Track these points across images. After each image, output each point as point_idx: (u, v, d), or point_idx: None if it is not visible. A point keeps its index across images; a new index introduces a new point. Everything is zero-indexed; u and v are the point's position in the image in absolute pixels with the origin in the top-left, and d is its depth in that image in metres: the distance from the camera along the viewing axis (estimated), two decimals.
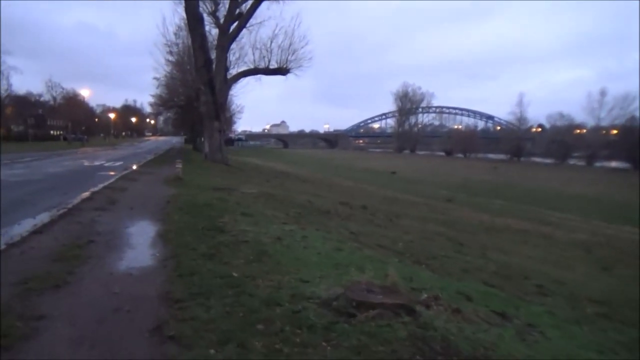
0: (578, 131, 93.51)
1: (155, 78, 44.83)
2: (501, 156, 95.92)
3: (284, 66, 29.92)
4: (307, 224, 8.45)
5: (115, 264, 4.80)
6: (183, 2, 24.56)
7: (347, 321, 3.26)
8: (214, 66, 25.94)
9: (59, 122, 79.50)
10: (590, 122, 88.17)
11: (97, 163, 22.35)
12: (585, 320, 5.36)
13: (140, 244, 5.69)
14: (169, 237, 5.98)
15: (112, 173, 16.09)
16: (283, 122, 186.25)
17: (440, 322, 3.44)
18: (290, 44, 28.91)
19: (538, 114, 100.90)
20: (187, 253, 5.12)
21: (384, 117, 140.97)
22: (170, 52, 38.83)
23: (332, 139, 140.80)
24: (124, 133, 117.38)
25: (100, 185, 11.67)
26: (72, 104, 72.56)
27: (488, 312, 4.57)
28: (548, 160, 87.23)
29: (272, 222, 7.74)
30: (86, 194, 9.68)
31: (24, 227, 6.36)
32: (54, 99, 72.38)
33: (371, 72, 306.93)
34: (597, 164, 78.78)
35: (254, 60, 30.24)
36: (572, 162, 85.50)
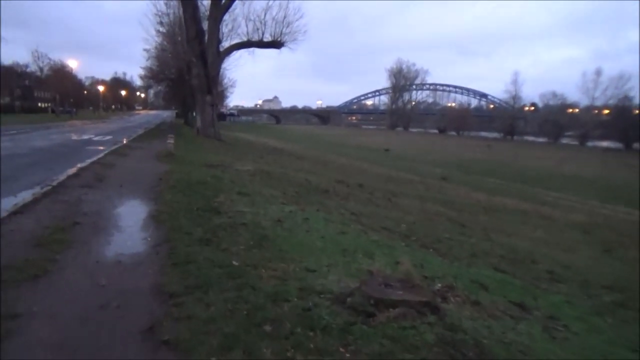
0: (571, 110, 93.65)
1: (145, 49, 43.67)
2: (494, 134, 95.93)
3: (278, 39, 29.14)
4: (306, 204, 8.06)
5: (103, 249, 4.38)
6: None
7: (366, 322, 2.88)
8: (206, 38, 25.07)
9: (46, 94, 77.58)
10: (585, 102, 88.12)
11: (85, 137, 21.64)
12: (604, 310, 5.08)
13: (130, 227, 5.26)
14: (162, 218, 5.55)
15: (101, 148, 15.50)
16: (275, 97, 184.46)
17: (468, 322, 3.08)
18: (284, 17, 28.12)
19: (530, 93, 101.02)
20: (182, 238, 4.71)
21: (377, 93, 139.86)
22: (161, 23, 37.64)
23: (324, 115, 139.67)
24: (113, 106, 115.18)
25: (88, 161, 11.13)
26: (60, 75, 70.49)
27: (506, 303, 4.26)
28: (541, 139, 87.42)
29: (270, 203, 7.33)
30: (73, 170, 9.17)
31: (4, 206, 5.87)
32: (41, 69, 70.27)
33: (364, 47, 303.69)
34: (590, 144, 78.95)
35: (247, 33, 29.39)
36: (564, 141, 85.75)
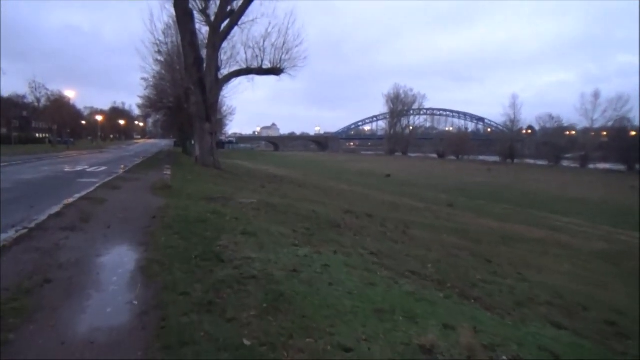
0: (568, 133, 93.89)
1: (143, 79, 43.27)
2: (494, 158, 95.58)
3: (278, 66, 28.59)
4: (320, 243, 7.08)
5: (74, 322, 3.38)
6: None
7: None
8: (204, 65, 24.52)
9: (44, 124, 77.17)
10: (584, 124, 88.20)
11: (79, 168, 20.71)
12: None
13: (113, 284, 4.26)
14: (153, 271, 4.57)
15: (93, 180, 14.57)
16: (274, 124, 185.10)
17: None
18: (284, 43, 27.59)
19: (525, 116, 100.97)
20: (177, 300, 3.73)
21: (374, 119, 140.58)
22: (159, 52, 37.27)
23: (323, 142, 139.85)
24: (112, 136, 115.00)
25: (77, 196, 10.18)
26: (58, 105, 70.23)
27: None
28: (541, 162, 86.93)
29: (281, 244, 6.36)
30: (56, 208, 8.19)
31: None
32: (38, 100, 69.99)
33: (359, 73, 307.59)
34: (591, 166, 78.40)
35: (246, 60, 28.85)
36: (565, 163, 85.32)
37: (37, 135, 77.63)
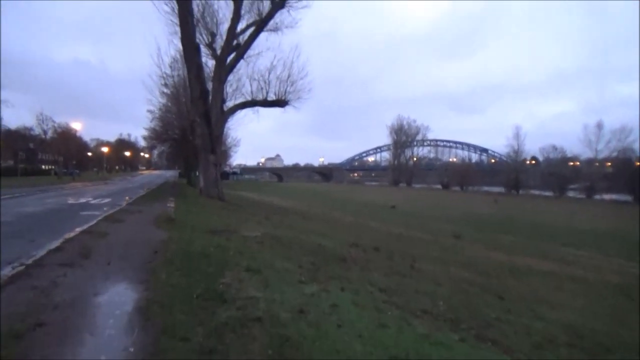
0: (572, 163, 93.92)
1: (149, 111, 43.94)
2: (498, 189, 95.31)
3: (283, 98, 28.88)
4: (326, 279, 6.81)
5: None
6: (179, 31, 23.50)
7: None
8: (210, 98, 24.75)
9: (50, 156, 77.90)
10: (588, 154, 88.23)
11: (82, 200, 20.61)
12: None
13: (109, 327, 4.01)
14: (152, 312, 4.33)
15: (96, 213, 14.42)
16: (278, 155, 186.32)
17: None
18: (289, 75, 27.95)
19: (528, 147, 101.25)
20: (176, 347, 3.48)
21: (378, 150, 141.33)
22: (165, 84, 37.90)
23: (327, 172, 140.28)
24: (117, 167, 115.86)
25: (78, 230, 9.99)
26: (64, 137, 71.10)
27: None
28: (546, 193, 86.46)
29: (286, 281, 6.10)
30: (56, 243, 7.99)
31: None
32: (45, 132, 70.89)
33: (362, 105, 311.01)
34: (597, 197, 77.88)
35: (252, 92, 29.20)
36: (570, 194, 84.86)
37: (43, 166, 78.29)
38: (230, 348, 3.50)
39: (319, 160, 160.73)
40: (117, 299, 4.89)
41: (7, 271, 5.84)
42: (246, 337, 3.76)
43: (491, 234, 31.65)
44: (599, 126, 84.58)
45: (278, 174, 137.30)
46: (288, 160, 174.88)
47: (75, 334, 3.80)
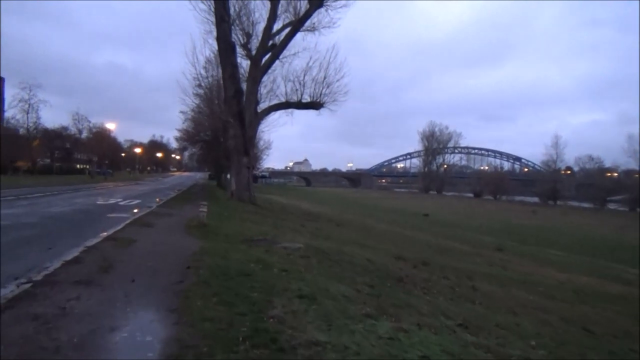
0: (609, 174, 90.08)
1: (182, 112, 43.68)
2: (532, 199, 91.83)
3: (318, 100, 27.72)
4: (395, 310, 5.51)
5: None
6: (214, 30, 22.72)
7: None
8: (244, 98, 23.81)
9: (85, 155, 79.19)
10: (631, 165, 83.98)
11: (112, 201, 19.91)
12: None
13: None
14: None
15: (124, 215, 13.52)
16: (306, 160, 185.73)
17: None
18: (324, 77, 26.78)
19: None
20: None
21: (408, 156, 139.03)
22: (199, 85, 37.34)
23: (355, 178, 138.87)
24: (149, 168, 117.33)
25: (103, 235, 9.00)
26: (98, 137, 72.19)
27: None
28: (586, 205, 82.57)
29: (350, 315, 4.83)
30: (75, 252, 6.95)
31: None
32: (80, 131, 72.12)
33: (391, 112, 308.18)
34: None
35: (286, 94, 28.19)
36: (611, 206, 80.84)
37: (78, 166, 79.51)
38: None
39: (347, 165, 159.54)
40: (139, 339, 3.70)
41: (10, 290, 4.77)
42: None
43: (535, 247, 29.67)
44: None
45: (306, 178, 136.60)
46: (316, 165, 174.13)
47: None
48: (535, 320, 7.70)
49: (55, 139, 69.55)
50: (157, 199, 22.21)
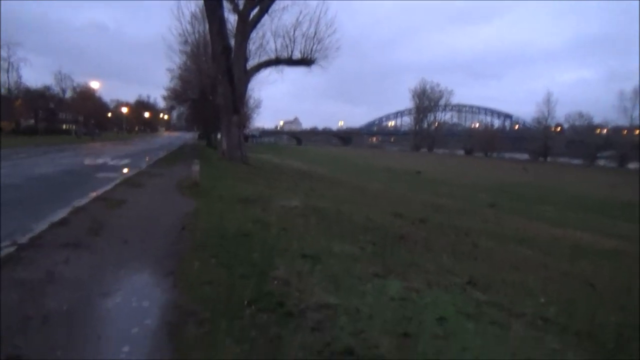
0: (598, 131, 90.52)
1: (168, 69, 42.42)
2: (523, 156, 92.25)
3: (309, 57, 26.87)
4: (402, 269, 5.29)
5: None
6: None
7: None
8: (232, 54, 22.90)
9: (70, 115, 77.28)
10: (622, 122, 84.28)
11: (100, 161, 19.36)
12: None
13: None
14: (187, 336, 2.86)
15: (113, 175, 13.08)
16: (296, 118, 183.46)
17: None
18: (315, 32, 25.93)
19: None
20: None
21: (399, 114, 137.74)
22: (186, 42, 36.06)
23: (345, 137, 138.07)
24: (137, 128, 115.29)
25: (92, 195, 8.63)
26: (83, 96, 70.26)
27: None
28: (576, 161, 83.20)
29: (357, 274, 4.58)
30: (62, 213, 6.60)
31: None
32: (63, 91, 70.08)
33: (380, 70, 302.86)
34: (630, 165, 74.44)
35: (276, 50, 27.26)
36: (600, 162, 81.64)
37: (64, 126, 77.68)
38: None
39: (337, 124, 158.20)
40: (135, 305, 3.42)
41: None
42: None
43: (527, 203, 29.81)
44: (636, 92, 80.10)
45: (297, 138, 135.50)
46: (306, 124, 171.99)
47: None
48: (538, 277, 7.58)
49: (39, 98, 67.48)
50: (147, 159, 21.69)
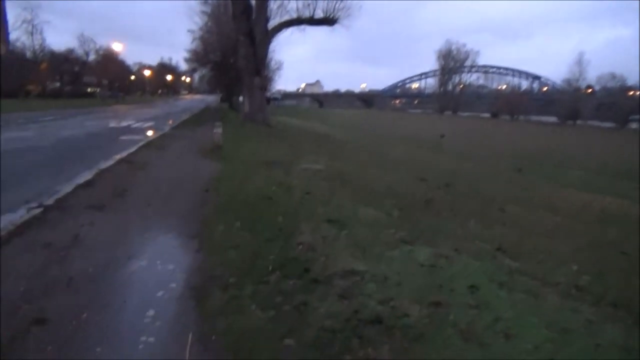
0: (632, 93, 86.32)
1: (189, 30, 41.82)
2: (550, 119, 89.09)
3: (331, 15, 26.00)
4: (431, 235, 5.15)
5: None
6: None
7: None
8: (253, 14, 22.34)
9: (94, 79, 77.76)
10: None
11: (124, 124, 19.48)
12: None
13: (146, 329, 2.50)
14: (213, 300, 2.81)
15: (137, 137, 13.13)
16: (318, 81, 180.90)
17: None
18: None
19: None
20: None
21: (423, 76, 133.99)
22: (206, 1, 35.33)
23: (368, 99, 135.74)
24: (159, 91, 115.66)
25: (116, 157, 8.66)
26: (106, 59, 70.44)
27: None
28: (606, 124, 79.99)
29: (384, 240, 4.47)
30: (87, 175, 6.63)
31: None
32: (87, 53, 70.35)
33: (404, 31, 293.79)
34: None
35: (297, 9, 26.38)
36: (633, 126, 78.36)
37: (88, 89, 78.37)
38: None
39: (360, 86, 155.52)
40: (159, 268, 3.39)
41: (19, 215, 4.47)
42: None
43: (556, 168, 29.01)
44: None
45: (319, 100, 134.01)
46: (328, 86, 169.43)
47: (88, 347, 2.30)
48: (569, 244, 7.37)
49: (63, 62, 67.96)
50: (170, 122, 21.73)
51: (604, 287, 4.74)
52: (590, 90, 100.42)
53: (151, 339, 2.40)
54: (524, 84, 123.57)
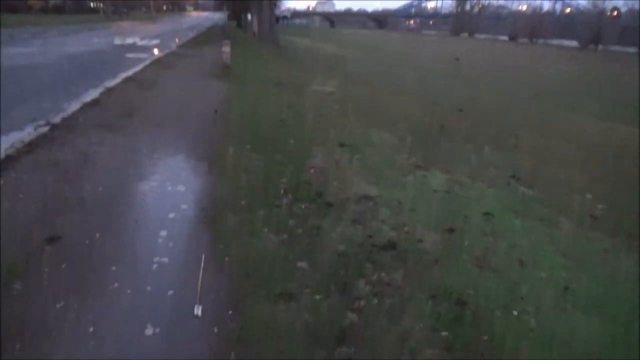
0: None
1: None
2: (573, 43, 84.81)
3: None
4: (444, 160, 5.05)
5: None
6: None
7: None
8: None
9: None
10: None
11: (129, 41, 18.83)
12: None
13: (155, 259, 2.48)
14: (225, 228, 2.77)
15: (143, 55, 12.72)
16: None
17: None
18: None
19: None
20: (275, 312, 1.94)
21: None
22: None
23: (381, 19, 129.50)
24: (165, 7, 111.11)
25: (122, 76, 8.42)
26: None
27: None
28: (630, 49, 76.17)
29: (398, 165, 4.39)
30: (94, 93, 6.46)
31: None
32: None
33: None
34: None
35: None
36: None
37: (92, 4, 75.37)
38: (367, 326, 1.91)
39: (373, 5, 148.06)
40: (170, 189, 3.34)
41: (27, 133, 4.39)
42: (387, 296, 2.15)
43: (574, 96, 28.11)
44: None
45: (330, 19, 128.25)
46: (340, 5, 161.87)
47: (99, 274, 2.30)
48: (584, 173, 7.26)
49: None
50: (177, 39, 20.97)
51: (620, 217, 4.68)
52: (615, 13, 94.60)
53: (165, 259, 2.40)
54: (546, 5, 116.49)
